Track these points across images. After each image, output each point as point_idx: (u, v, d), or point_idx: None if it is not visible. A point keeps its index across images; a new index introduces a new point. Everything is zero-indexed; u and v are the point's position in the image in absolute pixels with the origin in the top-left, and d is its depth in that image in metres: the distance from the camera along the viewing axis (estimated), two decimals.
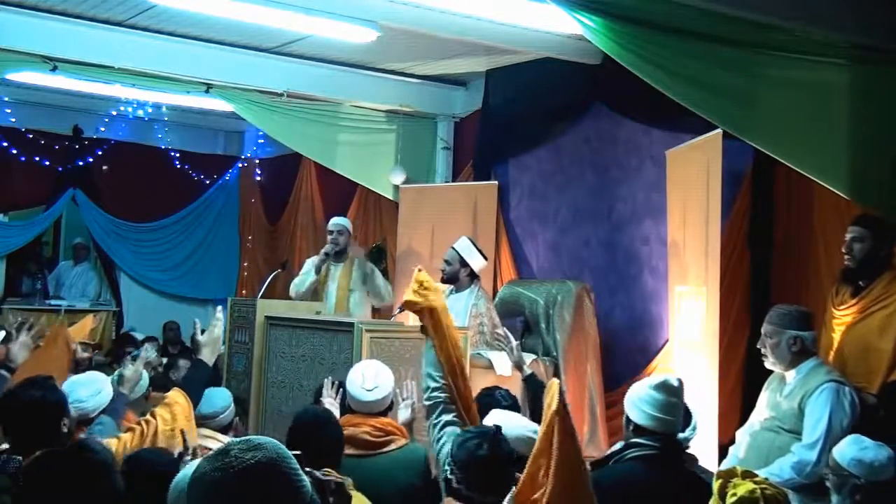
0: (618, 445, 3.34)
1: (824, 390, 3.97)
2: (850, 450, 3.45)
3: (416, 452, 3.79)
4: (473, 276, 6.02)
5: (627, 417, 3.25)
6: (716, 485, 2.69)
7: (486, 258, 6.11)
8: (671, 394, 3.19)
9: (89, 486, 2.17)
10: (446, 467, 2.85)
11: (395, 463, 3.65)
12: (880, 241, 4.33)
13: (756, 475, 2.66)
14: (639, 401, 3.20)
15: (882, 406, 4.07)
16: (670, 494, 3.09)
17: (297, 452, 1.71)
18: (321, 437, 3.19)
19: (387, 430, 3.73)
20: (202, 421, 4.03)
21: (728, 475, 2.67)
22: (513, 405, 3.97)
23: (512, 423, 3.39)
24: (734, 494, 2.57)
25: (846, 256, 4.37)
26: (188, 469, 2.71)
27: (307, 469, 1.74)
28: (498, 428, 2.91)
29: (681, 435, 3.63)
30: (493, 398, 3.86)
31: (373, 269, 6.87)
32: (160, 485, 2.90)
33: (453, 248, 6.08)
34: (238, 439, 1.74)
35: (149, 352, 4.69)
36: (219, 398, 4.17)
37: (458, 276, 6.02)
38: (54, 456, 2.25)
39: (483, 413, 3.82)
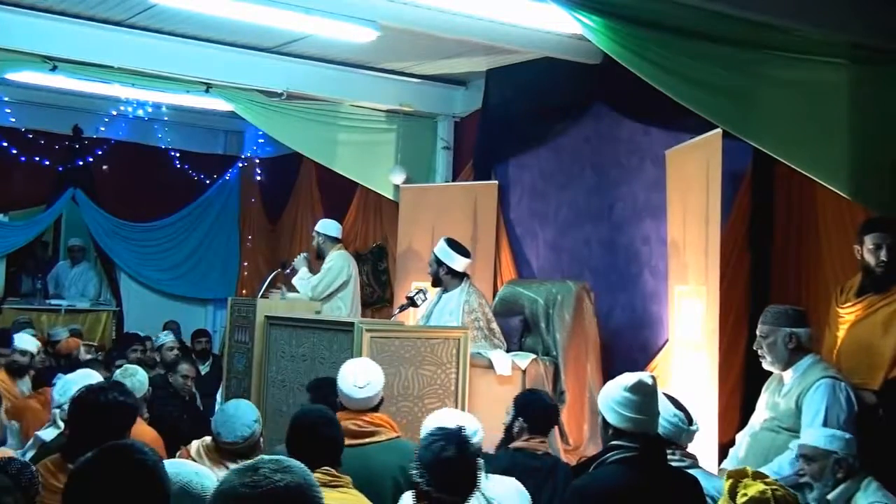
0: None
1: (820, 386, 3.99)
2: (818, 432, 3.60)
3: (402, 445, 3.81)
4: (458, 275, 6.02)
5: (604, 420, 3.21)
6: (726, 485, 2.70)
7: (467, 256, 6.07)
8: (646, 393, 3.16)
9: (141, 488, 2.11)
10: (414, 469, 2.87)
11: (380, 452, 3.68)
12: None
13: (766, 476, 2.67)
14: (614, 403, 3.16)
15: (882, 405, 4.08)
16: (655, 494, 3.08)
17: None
18: (320, 437, 3.20)
19: (375, 423, 3.78)
20: (223, 445, 3.71)
21: (739, 475, 2.67)
22: (553, 406, 4.24)
23: (458, 422, 3.40)
24: (745, 495, 2.57)
25: (881, 263, 4.26)
26: (182, 466, 2.69)
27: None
28: (461, 428, 2.92)
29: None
30: (537, 395, 4.19)
31: (325, 266, 7.07)
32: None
33: (433, 251, 6.14)
34: (269, 458, 1.75)
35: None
36: (242, 425, 3.72)
37: (438, 276, 6.05)
38: (106, 456, 2.18)
39: (525, 409, 4.02)
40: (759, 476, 2.65)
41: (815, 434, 3.61)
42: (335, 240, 7.31)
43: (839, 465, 3.47)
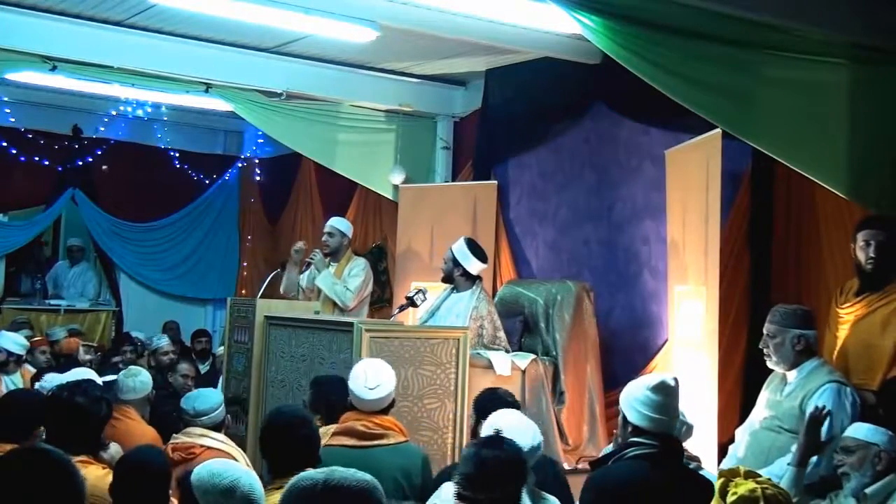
0: (610, 446, 3.36)
1: (825, 390, 3.99)
2: (862, 427, 3.61)
3: (411, 449, 3.80)
4: (471, 278, 5.98)
5: (624, 418, 3.25)
6: (718, 483, 2.70)
7: (484, 261, 6.04)
8: (668, 394, 3.19)
9: (51, 485, 2.15)
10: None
11: (388, 455, 3.66)
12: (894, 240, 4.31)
13: (759, 475, 2.67)
14: (636, 402, 3.19)
15: (881, 404, 4.08)
16: (672, 492, 3.10)
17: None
18: (291, 439, 3.15)
19: (384, 425, 3.76)
20: (196, 419, 4.06)
21: (731, 474, 2.67)
22: (514, 403, 4.01)
23: (512, 426, 3.37)
24: (735, 493, 2.57)
25: (870, 260, 4.29)
26: (231, 466, 2.72)
27: None
28: (497, 432, 2.89)
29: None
30: (497, 395, 3.95)
31: (349, 272, 6.69)
32: (156, 482, 2.92)
33: (450, 248, 6.07)
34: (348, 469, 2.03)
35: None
36: (212, 395, 4.25)
37: (452, 275, 6.01)
38: (11, 457, 2.24)
39: (486, 411, 3.84)
40: (750, 475, 2.65)
41: (857, 427, 3.64)
42: (349, 241, 7.05)
43: (879, 458, 3.51)
